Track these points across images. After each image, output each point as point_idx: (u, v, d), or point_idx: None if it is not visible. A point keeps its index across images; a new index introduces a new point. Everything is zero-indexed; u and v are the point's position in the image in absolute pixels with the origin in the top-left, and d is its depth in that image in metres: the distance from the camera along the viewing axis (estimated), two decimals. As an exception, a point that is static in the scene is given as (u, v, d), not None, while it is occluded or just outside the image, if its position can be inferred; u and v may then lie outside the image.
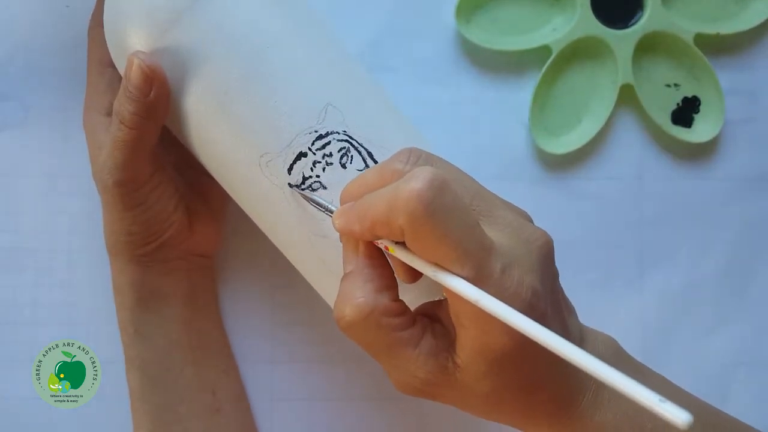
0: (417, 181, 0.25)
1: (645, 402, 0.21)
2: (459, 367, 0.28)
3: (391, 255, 0.29)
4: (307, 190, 0.33)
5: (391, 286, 0.29)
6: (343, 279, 0.29)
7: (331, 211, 0.31)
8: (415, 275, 0.29)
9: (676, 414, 0.20)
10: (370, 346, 0.29)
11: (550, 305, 0.28)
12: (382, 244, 0.28)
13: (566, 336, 0.28)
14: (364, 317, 0.27)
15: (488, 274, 0.26)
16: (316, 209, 0.33)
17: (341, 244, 0.31)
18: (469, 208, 0.28)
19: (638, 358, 0.33)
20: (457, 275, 0.26)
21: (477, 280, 0.26)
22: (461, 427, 0.44)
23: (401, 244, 0.28)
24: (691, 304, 0.45)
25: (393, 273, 0.29)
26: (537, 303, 0.27)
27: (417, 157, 0.29)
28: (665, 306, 0.45)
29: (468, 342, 0.27)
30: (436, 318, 0.30)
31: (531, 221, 0.31)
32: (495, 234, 0.27)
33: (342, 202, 0.30)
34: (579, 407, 0.30)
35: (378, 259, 0.29)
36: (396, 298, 0.29)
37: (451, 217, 0.25)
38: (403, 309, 0.29)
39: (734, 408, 0.37)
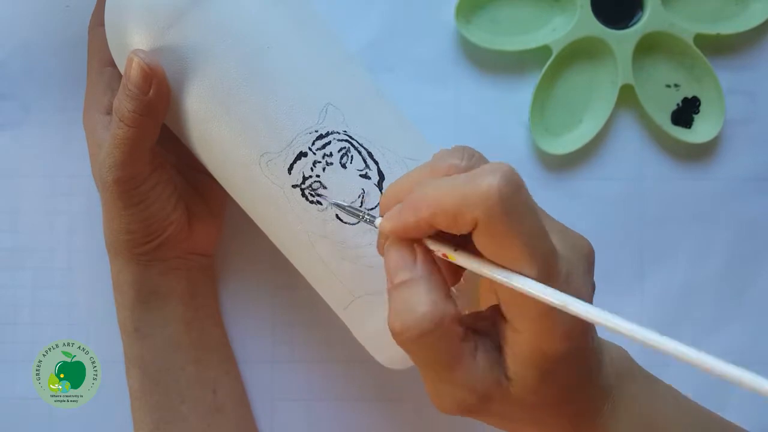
0: (495, 175, 0.24)
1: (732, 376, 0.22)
2: (511, 380, 0.27)
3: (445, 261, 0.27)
4: (313, 190, 0.33)
5: (450, 294, 0.27)
6: (397, 288, 0.27)
7: (372, 218, 0.30)
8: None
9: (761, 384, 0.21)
10: (432, 359, 0.27)
11: None
12: (439, 252, 0.27)
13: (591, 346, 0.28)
14: (434, 326, 0.26)
15: (555, 278, 0.25)
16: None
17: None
18: (538, 208, 0.27)
19: (638, 358, 0.33)
20: (525, 276, 0.25)
21: (544, 283, 0.25)
22: (461, 427, 0.44)
23: (458, 249, 0.26)
24: (691, 304, 0.45)
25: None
26: None
27: (471, 154, 0.27)
28: (665, 306, 0.45)
29: (520, 349, 0.26)
30: (480, 332, 0.29)
31: None
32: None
33: (387, 195, 0.29)
34: (599, 415, 0.30)
35: (436, 265, 0.27)
36: (457, 306, 0.27)
37: (526, 215, 0.25)
38: (462, 318, 0.27)
39: (734, 408, 0.36)
